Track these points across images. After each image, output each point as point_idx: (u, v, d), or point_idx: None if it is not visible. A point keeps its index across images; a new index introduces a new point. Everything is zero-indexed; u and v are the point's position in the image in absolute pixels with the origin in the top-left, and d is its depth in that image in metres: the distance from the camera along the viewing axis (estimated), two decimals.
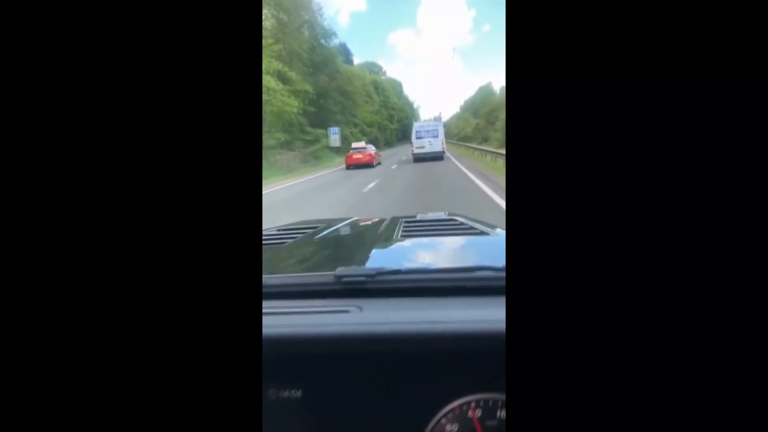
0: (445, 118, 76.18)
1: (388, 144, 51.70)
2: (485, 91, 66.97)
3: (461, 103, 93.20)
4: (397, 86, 76.25)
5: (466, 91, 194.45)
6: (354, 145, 19.68)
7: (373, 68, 68.69)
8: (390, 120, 58.65)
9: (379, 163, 18.80)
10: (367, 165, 17.29)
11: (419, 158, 17.78)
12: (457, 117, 66.37)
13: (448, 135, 55.58)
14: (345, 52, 63.83)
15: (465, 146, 29.23)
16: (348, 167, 17.36)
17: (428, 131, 18.55)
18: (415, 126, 19.49)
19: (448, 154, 18.56)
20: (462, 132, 51.20)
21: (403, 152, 28.12)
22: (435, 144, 18.41)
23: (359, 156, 17.65)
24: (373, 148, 20.21)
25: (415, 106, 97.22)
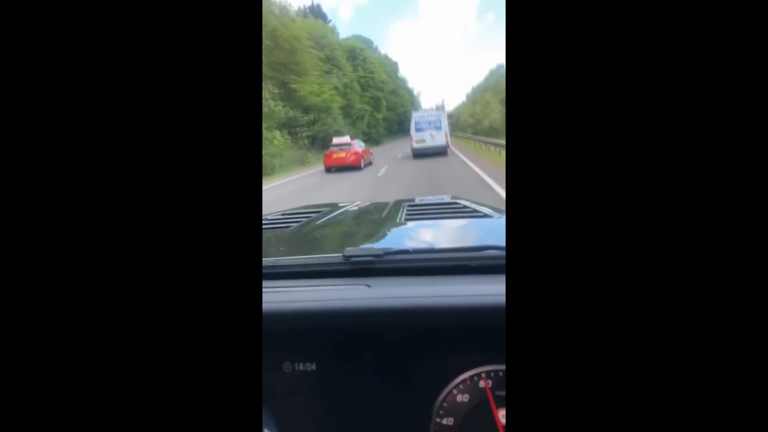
0: (450, 107, 58.68)
1: (372, 140, 33.20)
2: (497, 75, 49.89)
3: (468, 90, 75.36)
4: (390, 65, 57.79)
5: (473, 78, 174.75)
6: (335, 140, 14.74)
7: (362, 42, 50.20)
8: (374, 105, 40.17)
9: (370, 164, 14.54)
10: (353, 167, 13.31)
11: (419, 154, 15.39)
12: (473, 101, 47.59)
13: (459, 127, 37.50)
14: (320, 16, 46.11)
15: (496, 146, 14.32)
16: (328, 170, 13.53)
17: (429, 122, 15.73)
18: (414, 116, 16.27)
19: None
20: (484, 120, 31.81)
21: (391, 154, 19.93)
22: (437, 137, 15.56)
23: (342, 155, 13.52)
24: (362, 144, 15.60)
25: (415, 92, 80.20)
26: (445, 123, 15.79)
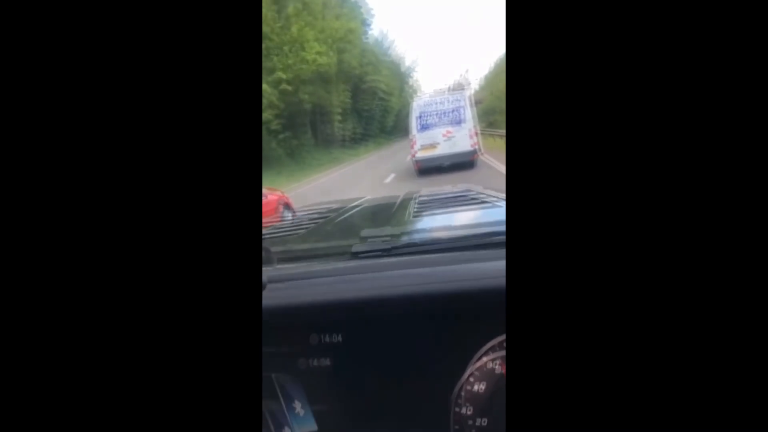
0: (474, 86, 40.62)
1: None
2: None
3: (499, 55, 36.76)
4: None
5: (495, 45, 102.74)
6: None
7: None
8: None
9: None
10: None
11: (428, 168, 9.27)
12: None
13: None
14: None
15: None
16: None
17: (442, 114, 9.53)
18: (416, 106, 9.89)
19: None
20: None
21: None
22: (459, 137, 9.22)
23: None
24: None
25: (405, 62, 42.39)
26: (468, 112, 9.59)
